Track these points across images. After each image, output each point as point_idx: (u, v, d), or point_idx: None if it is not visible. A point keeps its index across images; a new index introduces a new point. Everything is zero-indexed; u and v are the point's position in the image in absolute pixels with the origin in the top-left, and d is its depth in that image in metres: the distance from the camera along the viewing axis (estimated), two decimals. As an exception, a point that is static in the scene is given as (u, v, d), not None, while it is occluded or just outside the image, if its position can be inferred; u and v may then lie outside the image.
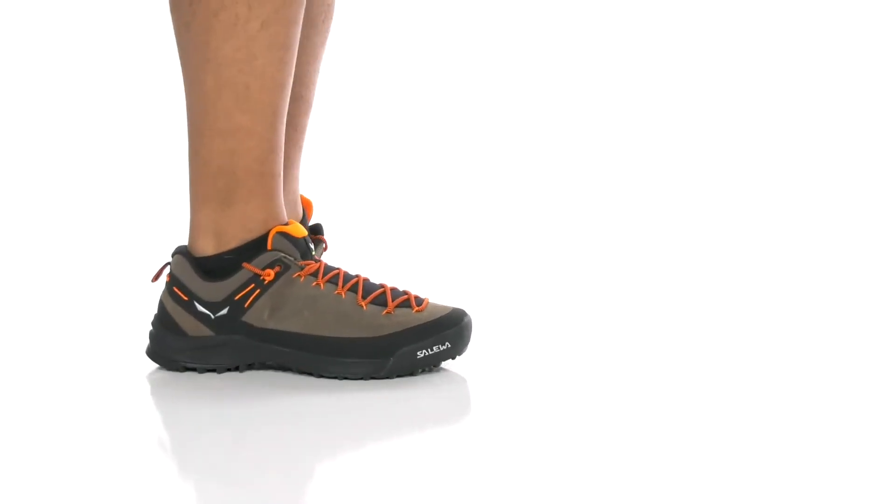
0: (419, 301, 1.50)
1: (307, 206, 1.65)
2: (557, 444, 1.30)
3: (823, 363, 1.56)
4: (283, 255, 1.49)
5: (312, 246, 1.55)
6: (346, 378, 1.48)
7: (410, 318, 1.48)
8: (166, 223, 2.18)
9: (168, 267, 1.53)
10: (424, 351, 1.48)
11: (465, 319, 1.50)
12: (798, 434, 1.31)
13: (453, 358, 1.50)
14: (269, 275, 1.48)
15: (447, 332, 1.48)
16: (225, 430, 1.35)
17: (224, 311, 1.49)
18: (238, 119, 1.47)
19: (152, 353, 1.53)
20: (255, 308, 1.49)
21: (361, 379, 1.48)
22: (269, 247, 1.49)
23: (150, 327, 1.54)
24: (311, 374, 1.49)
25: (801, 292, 1.90)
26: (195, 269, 1.50)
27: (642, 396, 1.44)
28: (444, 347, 1.48)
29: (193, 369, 1.50)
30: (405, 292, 1.51)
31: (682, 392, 1.46)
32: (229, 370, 1.50)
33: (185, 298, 1.50)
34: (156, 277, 1.54)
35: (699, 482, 1.18)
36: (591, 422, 1.36)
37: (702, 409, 1.40)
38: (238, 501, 1.16)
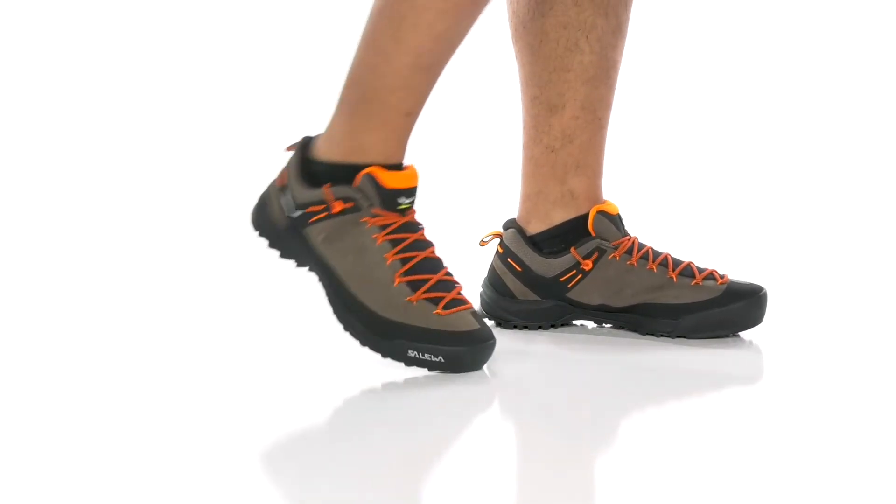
0: (457, 303, 1.48)
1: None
2: (558, 445, 1.29)
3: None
4: (361, 196, 1.48)
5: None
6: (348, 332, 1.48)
7: (422, 316, 1.46)
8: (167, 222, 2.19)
9: None
10: (415, 353, 1.46)
11: (477, 347, 1.47)
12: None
13: (443, 371, 1.47)
14: (338, 206, 1.49)
15: (446, 348, 1.46)
16: (225, 429, 1.34)
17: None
18: (384, 42, 1.48)
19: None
20: (315, 227, 1.49)
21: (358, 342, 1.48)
22: (355, 183, 1.49)
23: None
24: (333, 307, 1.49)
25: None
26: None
27: (644, 402, 1.43)
28: (437, 360, 1.46)
29: None
30: (452, 288, 1.49)
31: (696, 397, 1.47)
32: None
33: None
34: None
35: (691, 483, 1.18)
36: (591, 422, 1.36)
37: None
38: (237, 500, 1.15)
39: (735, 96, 3.03)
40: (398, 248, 1.47)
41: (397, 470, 1.20)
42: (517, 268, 1.69)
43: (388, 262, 1.47)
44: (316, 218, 1.49)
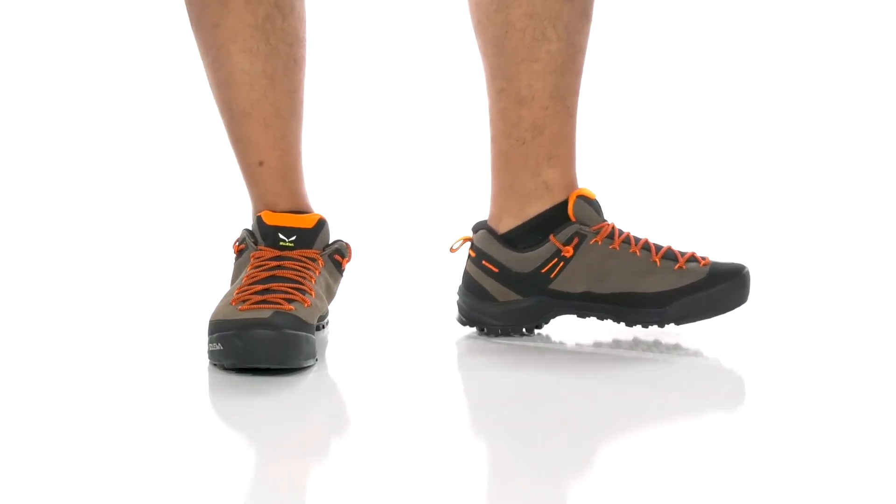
0: (263, 303, 1.47)
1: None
2: (536, 457, 1.24)
3: None
4: (249, 236, 1.58)
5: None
6: None
7: (225, 313, 1.47)
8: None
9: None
10: (210, 346, 1.46)
11: (246, 333, 1.43)
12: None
13: (223, 366, 1.46)
14: (236, 248, 1.61)
15: (217, 333, 1.45)
16: (221, 430, 1.32)
17: None
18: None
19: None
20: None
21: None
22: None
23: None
24: None
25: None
26: None
27: (628, 415, 1.39)
28: (217, 348, 1.44)
29: None
30: (272, 293, 1.48)
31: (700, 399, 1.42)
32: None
33: None
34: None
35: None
36: (570, 441, 1.30)
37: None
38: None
39: (709, 82, 3.00)
40: (257, 269, 1.53)
41: (371, 486, 1.15)
42: (493, 269, 1.65)
43: (243, 279, 1.52)
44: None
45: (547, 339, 1.65)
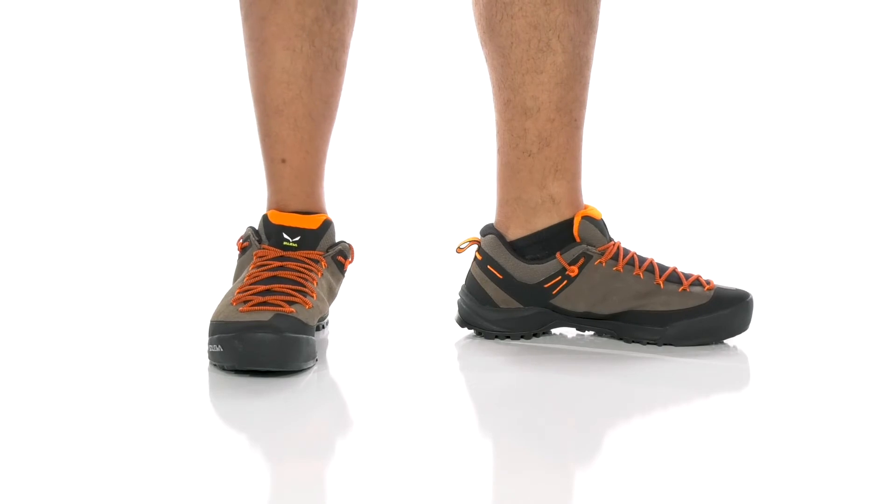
0: (265, 304, 1.47)
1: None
2: (539, 459, 1.24)
3: None
4: (254, 234, 1.58)
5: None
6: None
7: (227, 313, 1.47)
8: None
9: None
10: (210, 347, 1.47)
11: (245, 335, 1.44)
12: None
13: (223, 367, 1.46)
14: (239, 245, 1.60)
15: (217, 335, 1.45)
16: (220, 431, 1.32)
17: None
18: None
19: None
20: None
21: None
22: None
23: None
24: None
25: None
26: None
27: (629, 414, 1.39)
28: (217, 349, 1.45)
29: None
30: (274, 295, 1.48)
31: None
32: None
33: None
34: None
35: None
36: (574, 437, 1.29)
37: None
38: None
39: (714, 97, 2.98)
40: (259, 269, 1.54)
41: (374, 486, 1.16)
42: (498, 275, 1.64)
43: (244, 278, 1.53)
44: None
45: (547, 338, 1.65)
